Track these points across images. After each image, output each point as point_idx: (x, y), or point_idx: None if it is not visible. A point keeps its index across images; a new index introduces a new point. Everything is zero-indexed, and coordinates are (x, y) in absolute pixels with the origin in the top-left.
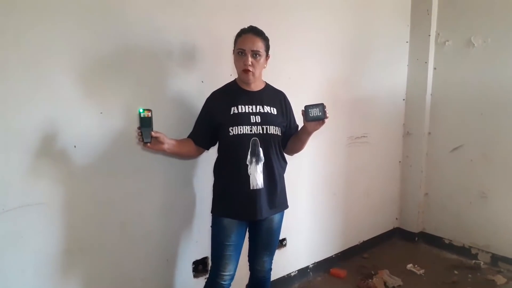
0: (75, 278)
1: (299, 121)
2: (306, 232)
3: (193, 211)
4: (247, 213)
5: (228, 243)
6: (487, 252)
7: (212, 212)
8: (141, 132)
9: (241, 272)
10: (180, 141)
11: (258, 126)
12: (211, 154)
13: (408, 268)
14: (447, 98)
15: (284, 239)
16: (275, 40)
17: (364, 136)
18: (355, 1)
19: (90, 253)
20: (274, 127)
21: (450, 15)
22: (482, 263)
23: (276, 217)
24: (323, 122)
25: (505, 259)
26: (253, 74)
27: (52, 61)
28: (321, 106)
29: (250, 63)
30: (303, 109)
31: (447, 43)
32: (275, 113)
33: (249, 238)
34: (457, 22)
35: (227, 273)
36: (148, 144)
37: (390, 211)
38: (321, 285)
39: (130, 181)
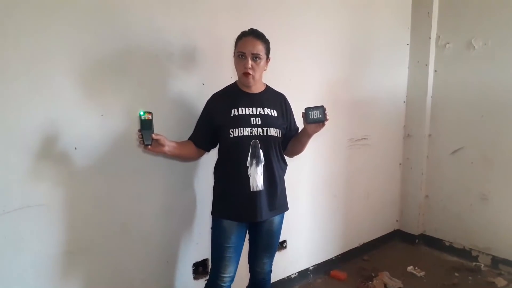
0: (75, 279)
1: (299, 123)
2: (306, 234)
3: (193, 212)
4: (247, 215)
5: (228, 245)
6: (488, 254)
7: (212, 213)
8: (141, 134)
9: (241, 274)
10: (180, 143)
11: (259, 128)
12: (212, 156)
13: (409, 270)
14: (447, 100)
15: (284, 241)
16: (276, 42)
17: (364, 138)
18: (356, 3)
19: (91, 254)
20: (275, 129)
21: (450, 18)
22: (482, 265)
23: (276, 219)
24: (323, 124)
25: (505, 262)
26: (253, 77)
27: (52, 63)
28: (322, 108)
29: (250, 66)
30: (304, 111)
31: (447, 45)
32: (276, 115)
33: (249, 240)
34: (458, 24)
35: (227, 274)
36: (149, 146)
37: (390, 213)
38: (321, 287)
39: (131, 182)
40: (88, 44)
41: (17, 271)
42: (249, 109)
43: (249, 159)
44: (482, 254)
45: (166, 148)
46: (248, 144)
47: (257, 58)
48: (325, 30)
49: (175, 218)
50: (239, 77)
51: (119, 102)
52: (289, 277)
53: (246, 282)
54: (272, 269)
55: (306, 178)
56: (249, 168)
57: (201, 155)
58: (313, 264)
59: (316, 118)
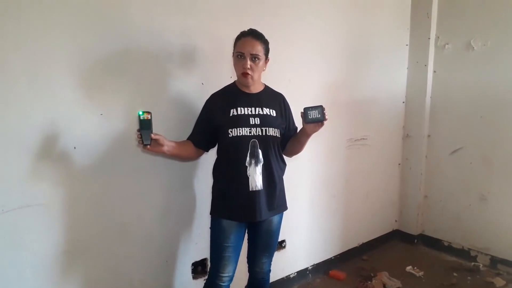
0: (74, 279)
1: (298, 123)
2: (305, 234)
3: (192, 212)
4: (246, 215)
5: (227, 245)
6: (486, 255)
7: (211, 213)
8: (140, 134)
9: (240, 273)
10: (179, 143)
11: (257, 128)
12: (211, 156)
13: (407, 270)
14: (446, 101)
15: (283, 241)
16: (275, 42)
17: (363, 139)
18: (355, 4)
19: (89, 254)
20: (273, 129)
21: (449, 18)
22: (481, 265)
23: (275, 218)
24: (322, 124)
25: (504, 262)
26: (252, 77)
27: (52, 63)
28: (320, 108)
29: (249, 66)
30: (302, 111)
31: (446, 46)
32: (274, 115)
33: (248, 239)
34: (457, 25)
35: (226, 274)
36: (148, 146)
37: (389, 213)
38: (320, 287)
39: (130, 182)
40: (88, 44)
41: (16, 270)
42: (248, 109)
43: (248, 159)
44: (481, 254)
45: (165, 148)
46: (247, 144)
47: (256, 59)
48: (325, 31)
49: (174, 217)
50: (238, 77)
51: (119, 102)
52: (288, 277)
53: (245, 282)
54: (271, 268)
55: (305, 178)
56: (248, 168)
57: (200, 155)
58: (312, 264)
59: (315, 118)
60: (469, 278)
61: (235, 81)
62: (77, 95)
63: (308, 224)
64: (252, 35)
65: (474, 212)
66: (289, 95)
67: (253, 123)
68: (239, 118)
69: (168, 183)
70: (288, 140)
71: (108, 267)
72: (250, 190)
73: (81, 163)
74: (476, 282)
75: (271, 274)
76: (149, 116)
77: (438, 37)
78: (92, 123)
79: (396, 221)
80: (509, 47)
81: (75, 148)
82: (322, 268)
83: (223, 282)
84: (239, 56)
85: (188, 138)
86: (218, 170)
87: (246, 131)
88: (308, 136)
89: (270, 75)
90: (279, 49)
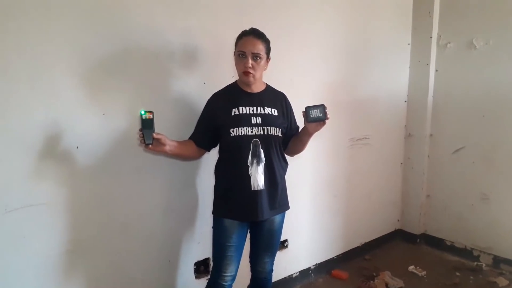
0: (76, 278)
1: (300, 122)
2: (307, 234)
3: (195, 212)
4: (248, 214)
5: (229, 244)
6: (489, 254)
7: (213, 213)
8: (142, 134)
9: (243, 273)
10: (181, 143)
11: (259, 128)
12: (213, 155)
13: (410, 270)
14: (448, 100)
15: (285, 240)
16: (277, 42)
17: (365, 138)
18: (357, 3)
19: (92, 253)
20: (275, 128)
21: (451, 17)
22: (484, 265)
23: (277, 218)
24: (324, 123)
25: (507, 261)
26: (254, 76)
27: (54, 63)
28: (322, 107)
29: (250, 65)
30: (304, 110)
31: (448, 45)
32: (276, 114)
33: (250, 239)
34: (459, 24)
35: (228, 274)
36: (150, 145)
37: (391, 212)
38: (323, 287)
39: (132, 182)
40: (89, 43)
41: (18, 270)
42: (249, 109)
43: (250, 158)
44: (483, 254)
45: (167, 147)
46: (248, 144)
47: (258, 58)
48: (327, 30)
49: (176, 217)
50: (239, 76)
51: (120, 101)
52: (290, 277)
53: (248, 281)
54: (274, 268)
55: (307, 177)
56: (250, 167)
57: (202, 154)
58: (315, 264)
59: (317, 117)
60: (471, 277)
61: (236, 81)
62: (79, 95)
63: (310, 224)
64: (254, 34)
65: (477, 212)
66: (291, 95)
67: (255, 122)
68: (241, 117)
69: (170, 182)
70: (290, 139)
71: (110, 266)
72: (252, 189)
73: (84, 163)
74: (478, 282)
75: (273, 273)
76: (151, 116)
77: (440, 36)
78: (94, 123)
79: (398, 220)
80: (511, 46)
81: (77, 147)
82: (325, 267)
83: (226, 282)
84: (240, 55)
85: (190, 138)
86: (220, 169)
87: (248, 131)
88: (309, 135)
89: (272, 75)
90: (281, 49)
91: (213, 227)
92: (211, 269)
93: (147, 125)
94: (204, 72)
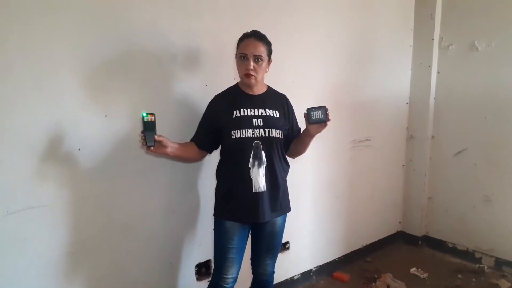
0: (78, 280)
1: (301, 124)
2: (309, 236)
3: (196, 214)
4: (249, 216)
5: (230, 246)
6: (491, 256)
7: (214, 215)
8: (144, 136)
9: (244, 275)
10: (183, 145)
11: (261, 130)
12: (215, 157)
13: (412, 272)
14: (450, 102)
15: (287, 242)
16: (278, 44)
17: (367, 140)
18: (358, 5)
19: (94, 255)
20: (277, 130)
21: (453, 19)
22: (486, 267)
23: (278, 220)
24: (325, 125)
25: (509, 263)
26: (255, 78)
27: (56, 64)
28: (323, 109)
29: (252, 67)
30: (306, 111)
31: (450, 47)
32: (278, 116)
33: (251, 241)
34: (461, 26)
35: (229, 276)
36: (152, 148)
37: (393, 214)
38: None
39: (134, 184)
40: (92, 45)
41: (20, 271)
42: (251, 111)
43: (251, 160)
44: (485, 256)
45: (169, 150)
46: (250, 145)
47: (259, 60)
48: (328, 32)
49: (178, 219)
50: (241, 78)
51: (123, 103)
52: (291, 279)
53: (249, 283)
54: (275, 270)
55: (309, 179)
56: (251, 169)
57: (204, 156)
58: (316, 266)
59: (318, 119)
60: (473, 280)
61: (238, 83)
62: (82, 97)
63: (312, 226)
64: (255, 36)
65: (479, 214)
66: (293, 96)
67: (256, 124)
68: (242, 119)
69: (171, 184)
70: (291, 141)
71: (112, 268)
72: (254, 191)
73: (85, 165)
74: (481, 284)
75: (275, 275)
76: (152, 118)
77: (442, 38)
78: (96, 125)
79: (400, 222)
80: None
81: (79, 149)
82: (326, 269)
83: (227, 284)
84: (242, 57)
85: (192, 140)
86: (221, 171)
87: (249, 133)
88: (311, 137)
89: (273, 76)
90: (283, 51)
91: (214, 229)
92: (212, 271)
93: (149, 127)
94: (206, 74)
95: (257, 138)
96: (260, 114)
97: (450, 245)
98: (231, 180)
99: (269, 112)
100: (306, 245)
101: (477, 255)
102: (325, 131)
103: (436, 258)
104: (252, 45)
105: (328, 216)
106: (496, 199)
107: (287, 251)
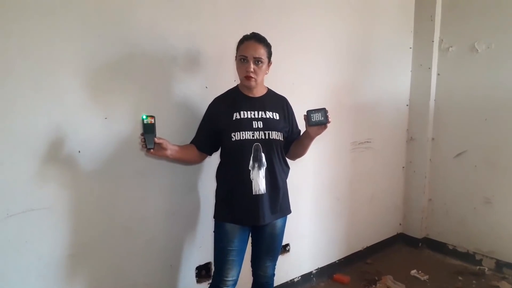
0: (78, 282)
1: (302, 126)
2: (309, 238)
3: (196, 216)
4: (249, 218)
5: (230, 248)
6: (492, 258)
7: (214, 217)
8: (144, 138)
9: (244, 277)
10: (183, 147)
11: (260, 132)
12: (215, 159)
13: (412, 274)
14: (450, 104)
15: (287, 245)
16: (279, 46)
17: (367, 142)
18: (359, 7)
19: (94, 258)
20: (277, 132)
21: (453, 21)
22: (486, 269)
23: (279, 222)
24: (325, 127)
25: (510, 265)
26: (255, 80)
27: (56, 66)
28: (323, 111)
29: (252, 70)
30: (305, 113)
31: (450, 48)
32: (277, 118)
33: (251, 243)
34: (461, 27)
35: (230, 278)
36: (151, 150)
37: (393, 216)
38: None
39: (134, 186)
40: (92, 47)
41: (21, 274)
42: (251, 113)
43: (251, 162)
44: (486, 258)
45: (169, 152)
46: (250, 148)
47: (259, 62)
48: (328, 34)
49: (178, 221)
50: (241, 80)
51: (123, 106)
52: (292, 281)
53: (249, 286)
54: (275, 272)
55: (309, 181)
56: (251, 171)
57: (204, 158)
58: (316, 268)
59: (318, 121)
60: (474, 282)
61: (238, 85)
62: (82, 99)
63: (312, 228)
64: (255, 38)
65: (479, 216)
66: (293, 98)
67: (256, 126)
68: (242, 121)
69: (172, 186)
70: (291, 143)
71: (112, 270)
72: (254, 193)
73: (86, 167)
74: (481, 286)
75: (275, 278)
76: (152, 120)
77: (442, 40)
78: (97, 127)
79: (400, 224)
80: None
81: (79, 152)
82: (326, 272)
83: (227, 286)
84: (242, 59)
85: (192, 142)
86: (221, 173)
87: (249, 135)
88: (311, 139)
89: (273, 79)
90: (283, 53)
91: (214, 231)
92: (212, 273)
93: (148, 129)
94: (207, 77)
95: (257, 140)
96: (260, 116)
97: (451, 247)
98: (231, 182)
99: (269, 114)
100: (307, 247)
101: (478, 257)
102: (325, 133)
103: (437, 260)
104: (252, 47)
105: (329, 218)
106: (496, 201)
107: (288, 253)
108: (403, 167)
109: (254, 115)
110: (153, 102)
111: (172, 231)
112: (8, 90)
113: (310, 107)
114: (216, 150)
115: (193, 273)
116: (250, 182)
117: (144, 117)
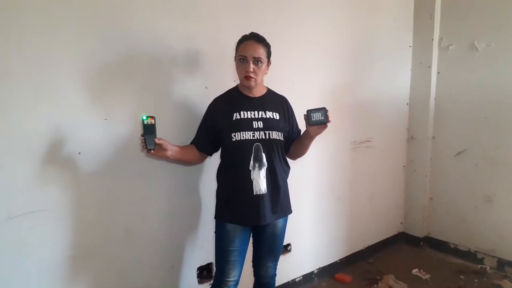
0: (79, 284)
1: (302, 125)
2: (310, 237)
3: (197, 216)
4: (250, 219)
5: (232, 249)
6: (493, 257)
7: (215, 217)
8: (144, 139)
9: (246, 277)
10: (183, 148)
11: (261, 132)
12: (216, 160)
13: (414, 273)
14: (451, 102)
15: (288, 244)
16: (278, 45)
17: (368, 141)
18: (358, 6)
19: (95, 259)
20: (277, 132)
21: (453, 19)
22: (488, 267)
23: (279, 222)
24: (325, 126)
25: (511, 264)
26: (255, 80)
27: (56, 68)
28: (323, 110)
29: (252, 69)
30: (305, 113)
31: (450, 47)
32: (278, 118)
33: (253, 243)
34: (460, 26)
35: (231, 278)
36: (152, 151)
37: (394, 215)
38: None
39: (135, 187)
40: (92, 49)
41: (22, 276)
42: (251, 113)
43: (251, 162)
44: (487, 257)
45: (169, 153)
46: (250, 148)
47: (259, 62)
48: (328, 33)
49: (179, 222)
50: (240, 80)
51: (123, 107)
52: (293, 281)
53: (251, 286)
54: (277, 272)
55: (310, 181)
56: (252, 171)
57: (204, 159)
58: (318, 268)
59: (318, 120)
60: (476, 280)
61: (237, 85)
62: (82, 100)
63: (313, 228)
64: (254, 38)
65: (480, 214)
66: (293, 98)
67: (256, 126)
68: (242, 122)
69: (172, 187)
70: (291, 143)
71: (114, 272)
72: (254, 194)
73: (86, 169)
74: (483, 285)
75: (276, 278)
76: (153, 121)
77: (442, 38)
78: (97, 128)
79: (401, 223)
80: None
81: (79, 153)
82: (328, 271)
83: (229, 287)
84: (241, 59)
85: (192, 142)
86: (222, 174)
87: (249, 135)
88: (311, 138)
89: (273, 78)
90: (282, 52)
91: (215, 232)
92: (214, 274)
93: (149, 130)
94: (206, 77)
95: (257, 140)
96: (260, 116)
97: (452, 246)
98: (232, 183)
99: (269, 114)
100: (308, 247)
101: (479, 256)
102: (325, 133)
103: (438, 259)
104: (252, 47)
105: (330, 217)
106: (497, 199)
107: (289, 253)
108: (404, 166)
109: (254, 115)
110: (153, 102)
111: (173, 232)
112: (7, 93)
113: (310, 107)
114: (216, 151)
115: (194, 273)
116: (251, 182)
117: (144, 118)
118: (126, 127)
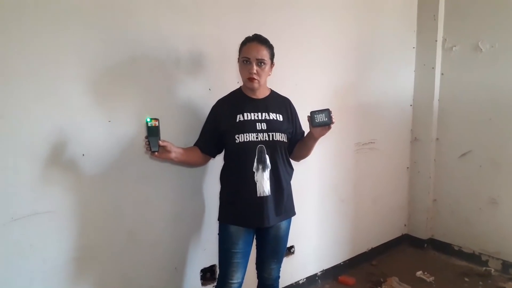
0: (83, 285)
1: (305, 127)
2: (314, 239)
3: (201, 218)
4: (254, 220)
5: (235, 251)
6: (498, 259)
7: (219, 219)
8: (148, 141)
9: (249, 280)
10: (187, 150)
11: (264, 133)
12: (219, 161)
13: (418, 275)
14: (455, 104)
15: (292, 247)
16: (282, 47)
17: (371, 142)
18: (361, 7)
19: (99, 261)
20: (280, 133)
21: (456, 20)
22: (493, 270)
23: (283, 224)
24: (329, 128)
25: None
26: (258, 82)
27: (60, 69)
28: (327, 112)
29: (255, 71)
30: (309, 114)
31: (454, 48)
32: (281, 119)
33: (256, 245)
34: (464, 27)
35: (235, 280)
36: (156, 153)
37: (398, 217)
38: None
39: (138, 189)
40: (96, 51)
41: (26, 278)
42: (254, 114)
43: (255, 164)
44: (492, 259)
45: (173, 155)
46: (254, 150)
47: (262, 63)
48: (331, 35)
49: (182, 224)
50: (244, 82)
51: (126, 108)
52: (297, 283)
53: None
54: (280, 275)
55: (313, 182)
56: (255, 173)
57: (208, 160)
58: (321, 270)
59: (322, 121)
60: (480, 283)
61: (241, 87)
62: (85, 102)
63: (317, 229)
64: (258, 40)
65: (484, 216)
66: (296, 99)
67: (260, 128)
68: (246, 123)
69: (176, 189)
70: (295, 144)
71: (117, 274)
72: (258, 195)
73: (90, 170)
74: (488, 287)
75: (280, 280)
76: (156, 123)
77: (445, 39)
78: (100, 130)
79: (405, 225)
80: None
81: (83, 155)
82: (331, 273)
83: None
84: (244, 61)
85: (195, 144)
86: (225, 176)
87: (253, 137)
88: (315, 140)
89: (276, 80)
90: (286, 54)
91: (219, 234)
92: (217, 276)
93: (153, 132)
94: (210, 79)
95: (261, 142)
96: (263, 118)
97: (456, 248)
98: (236, 185)
99: (272, 115)
100: (311, 249)
101: (484, 258)
102: (329, 134)
103: (442, 261)
104: (255, 49)
105: (333, 219)
106: (502, 201)
107: (292, 255)
108: (408, 168)
109: (257, 116)
110: (156, 104)
111: (177, 234)
112: (12, 95)
113: (313, 108)
114: (220, 152)
115: (198, 275)
116: (255, 184)
117: (148, 119)
118: (130, 129)
